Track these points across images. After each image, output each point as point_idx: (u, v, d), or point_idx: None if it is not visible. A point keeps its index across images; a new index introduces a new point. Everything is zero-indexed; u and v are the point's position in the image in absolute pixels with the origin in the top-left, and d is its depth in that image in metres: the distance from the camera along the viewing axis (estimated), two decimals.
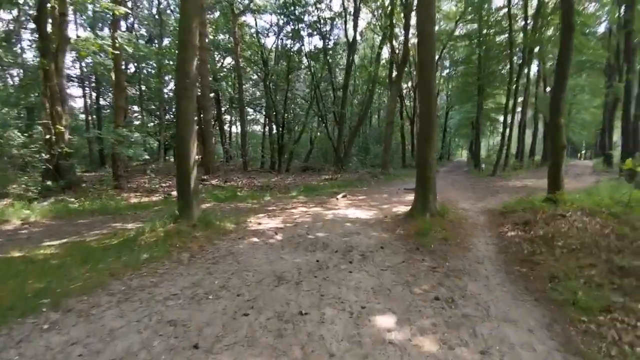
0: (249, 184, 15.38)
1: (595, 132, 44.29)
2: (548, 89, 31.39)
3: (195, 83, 5.87)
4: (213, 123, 30.38)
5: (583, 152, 63.72)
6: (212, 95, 27.47)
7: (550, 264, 4.46)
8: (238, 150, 24.89)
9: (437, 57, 28.09)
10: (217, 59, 26.39)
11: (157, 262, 4.57)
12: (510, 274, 4.46)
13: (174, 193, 11.66)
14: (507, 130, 20.18)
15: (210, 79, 26.23)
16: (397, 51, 20.27)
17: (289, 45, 22.47)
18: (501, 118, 37.35)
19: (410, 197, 11.59)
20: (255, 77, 27.27)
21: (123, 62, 24.08)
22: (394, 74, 18.10)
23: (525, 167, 24.71)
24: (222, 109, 30.62)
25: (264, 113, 26.05)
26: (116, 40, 11.60)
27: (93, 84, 25.53)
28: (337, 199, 11.07)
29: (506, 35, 21.45)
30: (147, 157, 16.12)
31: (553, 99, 8.42)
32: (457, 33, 23.66)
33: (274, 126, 24.75)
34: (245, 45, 24.93)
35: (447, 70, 35.07)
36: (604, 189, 11.76)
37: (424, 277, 4.30)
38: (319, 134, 27.75)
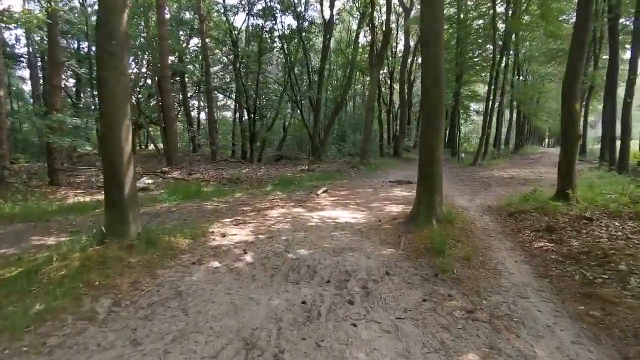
0: (218, 176, 13.55)
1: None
2: (521, 78, 31.10)
3: (126, 47, 4.09)
4: (177, 108, 28.02)
5: (546, 140, 65.47)
6: (177, 78, 25.12)
7: (632, 304, 3.16)
8: (207, 139, 22.80)
9: (413, 43, 26.83)
10: (182, 39, 23.91)
11: (54, 319, 2.88)
12: (578, 320, 3.11)
13: None
14: (488, 119, 19.23)
15: (173, 59, 23.85)
16: (378, 32, 18.74)
17: (260, 25, 20.39)
18: (474, 106, 37.02)
19: (400, 191, 10.32)
20: (225, 59, 25.01)
21: (73, 39, 21.28)
22: (375, 57, 16.58)
23: (502, 156, 24.13)
24: (190, 94, 28.25)
25: (234, 99, 23.95)
26: (49, 5, 9.37)
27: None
28: (317, 195, 9.55)
29: (486, 20, 20.39)
30: (89, 147, 13.90)
31: (568, 84, 7.19)
32: None
33: (245, 113, 22.77)
34: (213, 24, 22.60)
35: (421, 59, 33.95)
36: (604, 182, 10.93)
37: (464, 333, 2.87)
38: (293, 121, 25.96)
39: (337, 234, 5.56)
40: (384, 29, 16.92)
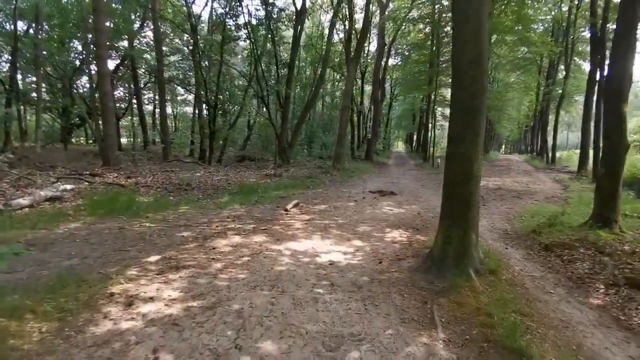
0: (164, 181, 10.91)
1: (520, 127, 45.78)
2: (489, 84, 30.47)
3: None
4: (128, 100, 24.59)
5: (503, 146, 67.11)
6: (126, 62, 21.80)
7: None
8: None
9: (387, 44, 25.23)
10: (136, 21, 20.68)
11: None
12: None
13: (42, 194, 6.97)
14: None
15: (124, 43, 20.60)
16: (355, 22, 16.81)
17: (223, 10, 17.78)
18: (439, 110, 36.22)
19: (387, 206, 8.23)
20: (185, 49, 22.03)
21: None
22: (352, 50, 14.59)
23: None
24: (144, 84, 24.90)
25: (193, 92, 21.08)
26: None
27: None
28: (286, 210, 7.34)
29: None
30: None
31: (617, 79, 5.50)
32: (413, 15, 20.78)
33: (205, 107, 20.00)
34: (169, 5, 19.66)
35: (392, 60, 32.54)
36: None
37: None
38: (258, 118, 23.46)
39: (323, 294, 3.39)
40: (360, 22, 14.96)
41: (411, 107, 36.52)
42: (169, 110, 34.10)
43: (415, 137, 41.98)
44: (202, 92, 19.59)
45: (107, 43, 18.98)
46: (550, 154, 22.54)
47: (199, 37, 18.88)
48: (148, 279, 3.58)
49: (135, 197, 8.02)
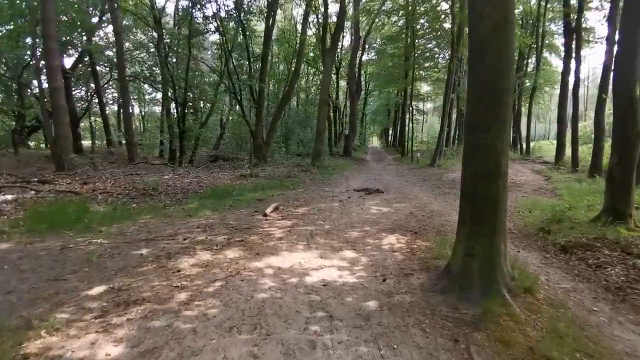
0: (126, 186, 9.71)
1: None
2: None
3: None
4: (82, 97, 22.69)
5: None
6: (86, 60, 20.00)
7: None
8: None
9: (362, 37, 24.53)
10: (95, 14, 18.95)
11: None
12: None
13: None
14: (447, 116, 17.50)
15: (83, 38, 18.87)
16: (330, 15, 15.96)
17: (188, 1, 16.49)
18: (416, 105, 36.10)
19: (375, 206, 7.37)
20: (151, 44, 20.44)
21: None
22: (328, 40, 13.74)
23: (452, 154, 22.87)
24: (105, 82, 23.05)
25: (160, 89, 19.61)
26: None
27: None
28: (265, 215, 6.45)
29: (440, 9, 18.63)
30: None
31: (627, 62, 4.94)
32: (388, 6, 20.16)
33: (174, 105, 18.63)
34: None
35: (367, 56, 31.91)
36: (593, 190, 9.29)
37: None
38: (231, 117, 22.26)
39: (321, 333, 2.55)
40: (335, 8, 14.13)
41: (386, 101, 36.20)
42: (136, 109, 32.08)
43: (390, 131, 41.82)
44: (169, 89, 18.25)
45: (64, 38, 17.31)
46: (524, 145, 22.63)
47: (164, 30, 17.50)
48: (82, 326, 2.61)
49: (89, 206, 6.88)
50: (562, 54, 16.00)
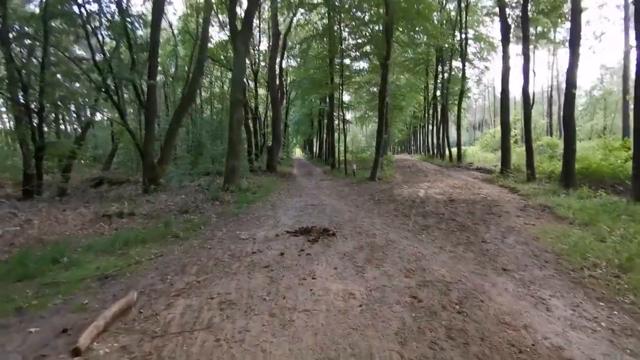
0: None
1: (409, 128, 46.69)
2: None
3: None
4: None
5: (391, 147, 69.74)
6: None
7: None
8: None
9: (281, 34, 21.08)
10: None
11: None
12: None
13: None
14: (384, 124, 14.83)
15: None
16: None
17: None
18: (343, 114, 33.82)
19: (338, 277, 3.44)
20: None
21: None
22: (238, 22, 9.81)
23: (386, 165, 20.52)
24: None
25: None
26: None
27: None
28: (77, 355, 2.34)
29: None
30: None
31: None
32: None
33: (32, 115, 12.83)
34: None
35: (286, 62, 28.52)
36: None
37: None
38: (113, 129, 16.84)
39: None
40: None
41: (309, 110, 33.29)
42: None
43: (315, 142, 39.00)
44: (18, 91, 12.67)
45: None
46: (455, 152, 21.33)
47: (9, 11, 11.94)
48: None
49: None
50: (500, 53, 14.45)
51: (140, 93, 11.22)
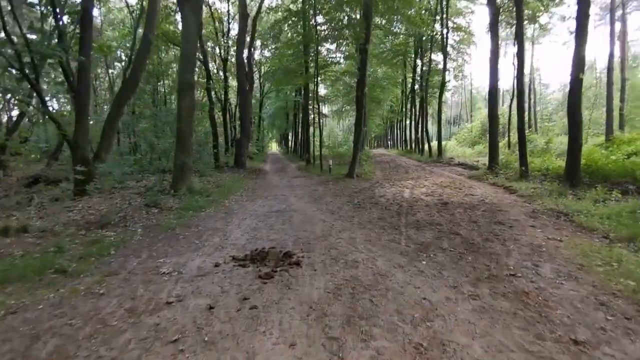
0: None
1: (386, 123, 45.42)
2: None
3: None
4: None
5: (367, 141, 68.55)
6: None
7: None
8: None
9: (249, 16, 18.96)
10: None
11: None
12: None
13: None
14: (363, 116, 13.20)
15: None
16: None
17: None
18: (320, 107, 32.02)
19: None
20: None
21: None
22: None
23: (363, 160, 18.96)
24: None
25: None
26: None
27: None
28: None
29: None
30: None
31: None
32: None
33: None
34: None
35: (259, 53, 26.34)
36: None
37: None
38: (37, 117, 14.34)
39: None
40: None
41: (284, 103, 31.23)
42: None
43: (291, 137, 37.00)
44: None
45: None
46: (435, 147, 20.06)
47: None
48: None
49: None
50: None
51: (71, 75, 9.00)
